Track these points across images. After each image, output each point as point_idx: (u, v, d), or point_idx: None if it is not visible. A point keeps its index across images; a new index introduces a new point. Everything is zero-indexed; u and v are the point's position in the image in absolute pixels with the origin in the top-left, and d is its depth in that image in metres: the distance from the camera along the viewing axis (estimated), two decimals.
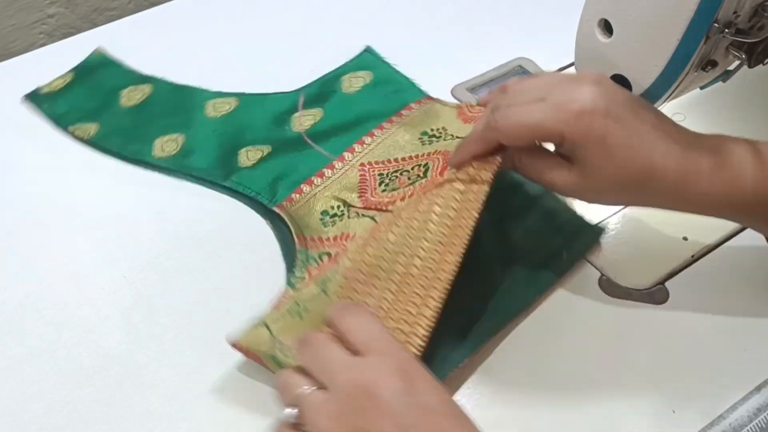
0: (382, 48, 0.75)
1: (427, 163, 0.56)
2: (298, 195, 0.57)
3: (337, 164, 0.60)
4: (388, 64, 0.71)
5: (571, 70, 0.57)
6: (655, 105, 0.52)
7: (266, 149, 0.62)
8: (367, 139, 0.62)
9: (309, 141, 0.62)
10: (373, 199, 0.56)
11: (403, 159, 0.60)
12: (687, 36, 0.47)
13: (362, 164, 0.60)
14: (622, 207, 0.61)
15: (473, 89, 0.71)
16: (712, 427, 0.49)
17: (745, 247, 0.58)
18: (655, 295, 0.56)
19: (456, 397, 0.50)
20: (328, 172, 0.59)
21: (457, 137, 0.60)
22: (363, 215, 0.55)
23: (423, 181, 0.54)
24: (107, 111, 0.67)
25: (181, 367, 0.52)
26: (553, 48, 0.73)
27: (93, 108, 0.67)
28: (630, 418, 0.49)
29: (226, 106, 0.66)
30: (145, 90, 0.68)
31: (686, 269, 0.57)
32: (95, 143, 0.64)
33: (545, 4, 0.80)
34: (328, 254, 0.53)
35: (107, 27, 0.78)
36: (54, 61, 0.74)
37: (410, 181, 0.56)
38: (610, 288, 0.56)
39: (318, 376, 0.41)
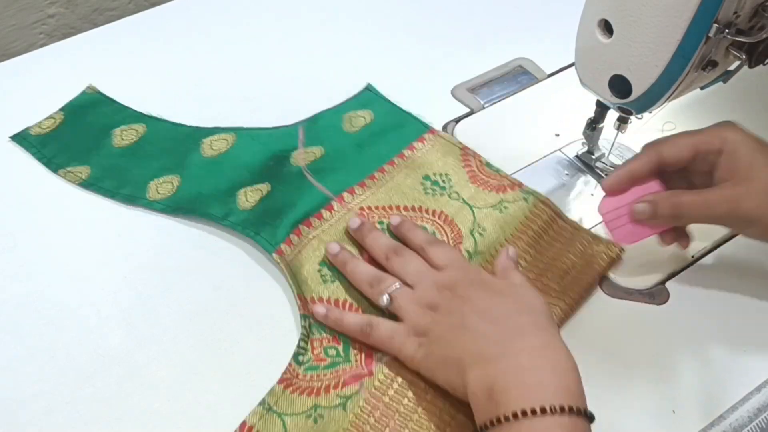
0: (384, 49, 0.76)
1: (434, 232, 0.58)
2: (296, 237, 0.57)
3: (336, 205, 0.59)
4: (388, 101, 0.69)
5: (571, 70, 0.57)
6: (656, 105, 0.52)
7: (265, 188, 0.61)
8: (368, 182, 0.61)
9: (308, 175, 0.61)
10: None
11: (405, 207, 0.59)
12: (687, 36, 0.47)
13: (362, 208, 0.59)
14: None
15: (473, 89, 0.71)
16: (712, 427, 0.49)
17: (744, 248, 0.58)
18: (656, 295, 0.56)
19: None
20: (326, 214, 0.58)
21: (463, 199, 0.60)
22: None
23: None
24: (99, 152, 0.65)
25: (181, 367, 0.52)
26: (553, 48, 0.74)
27: (84, 149, 0.65)
28: (630, 418, 0.49)
29: (223, 143, 0.64)
30: (139, 130, 0.66)
31: (686, 270, 0.57)
32: (87, 186, 0.62)
33: (545, 4, 0.81)
34: (327, 331, 0.52)
35: (107, 27, 0.78)
36: (54, 61, 0.74)
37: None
38: (611, 288, 0.56)
39: (405, 278, 0.52)
